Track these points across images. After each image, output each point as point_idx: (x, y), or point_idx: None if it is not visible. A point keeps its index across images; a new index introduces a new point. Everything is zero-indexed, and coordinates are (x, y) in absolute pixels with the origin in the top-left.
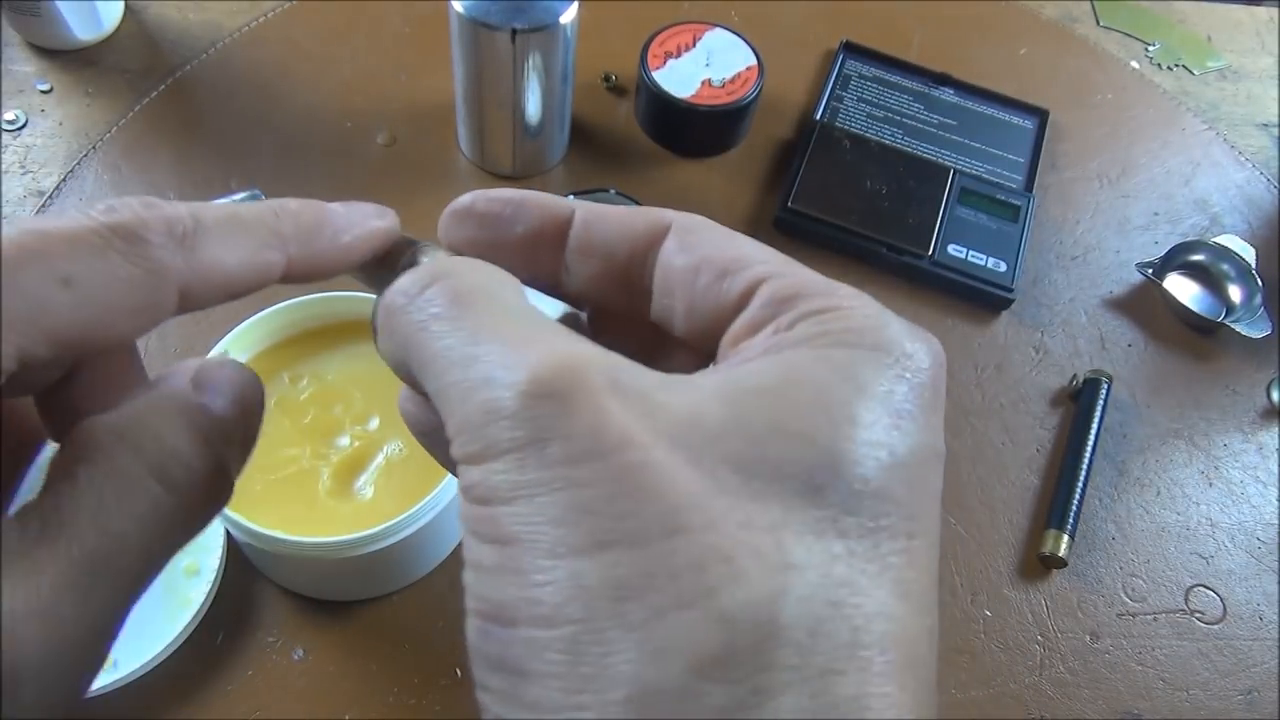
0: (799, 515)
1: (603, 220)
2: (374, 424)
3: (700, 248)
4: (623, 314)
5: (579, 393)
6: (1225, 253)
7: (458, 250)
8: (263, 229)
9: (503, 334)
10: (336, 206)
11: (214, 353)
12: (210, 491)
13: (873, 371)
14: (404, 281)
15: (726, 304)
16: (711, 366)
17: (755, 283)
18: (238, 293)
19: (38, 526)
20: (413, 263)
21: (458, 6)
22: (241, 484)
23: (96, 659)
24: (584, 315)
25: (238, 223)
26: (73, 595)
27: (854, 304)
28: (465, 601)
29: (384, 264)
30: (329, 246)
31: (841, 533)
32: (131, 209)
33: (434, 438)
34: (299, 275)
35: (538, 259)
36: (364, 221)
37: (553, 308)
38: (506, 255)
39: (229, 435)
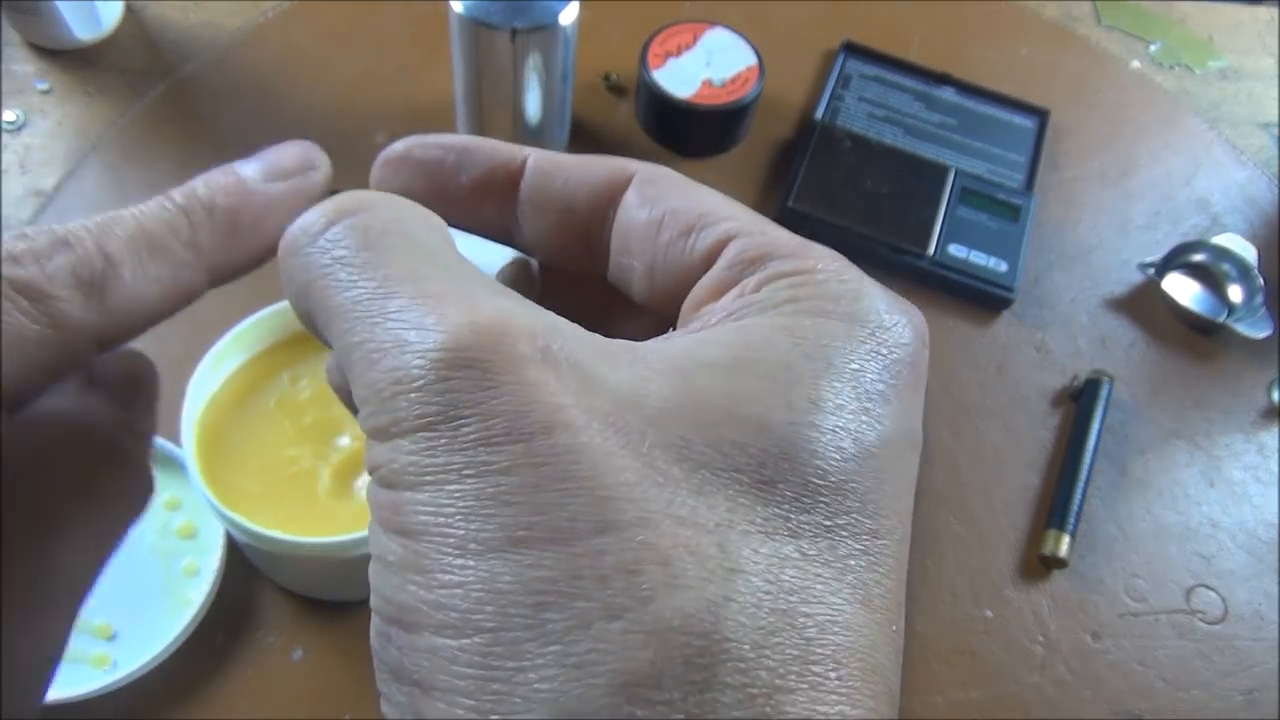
0: (747, 512)
1: (559, 169)
2: None
3: (664, 201)
4: (580, 273)
5: (502, 362)
6: (1226, 253)
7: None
8: (177, 248)
9: (420, 287)
10: (253, 175)
11: (212, 352)
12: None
13: (843, 345)
14: (308, 216)
15: (691, 264)
16: (667, 333)
17: (723, 240)
18: (158, 320)
19: None
20: None
21: (458, 6)
22: (242, 484)
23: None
24: (534, 262)
25: (150, 246)
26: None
27: (829, 267)
28: (371, 599)
29: None
30: (253, 243)
31: (794, 532)
32: (35, 257)
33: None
34: (226, 280)
35: (486, 212)
36: (286, 199)
37: (500, 254)
38: (450, 208)
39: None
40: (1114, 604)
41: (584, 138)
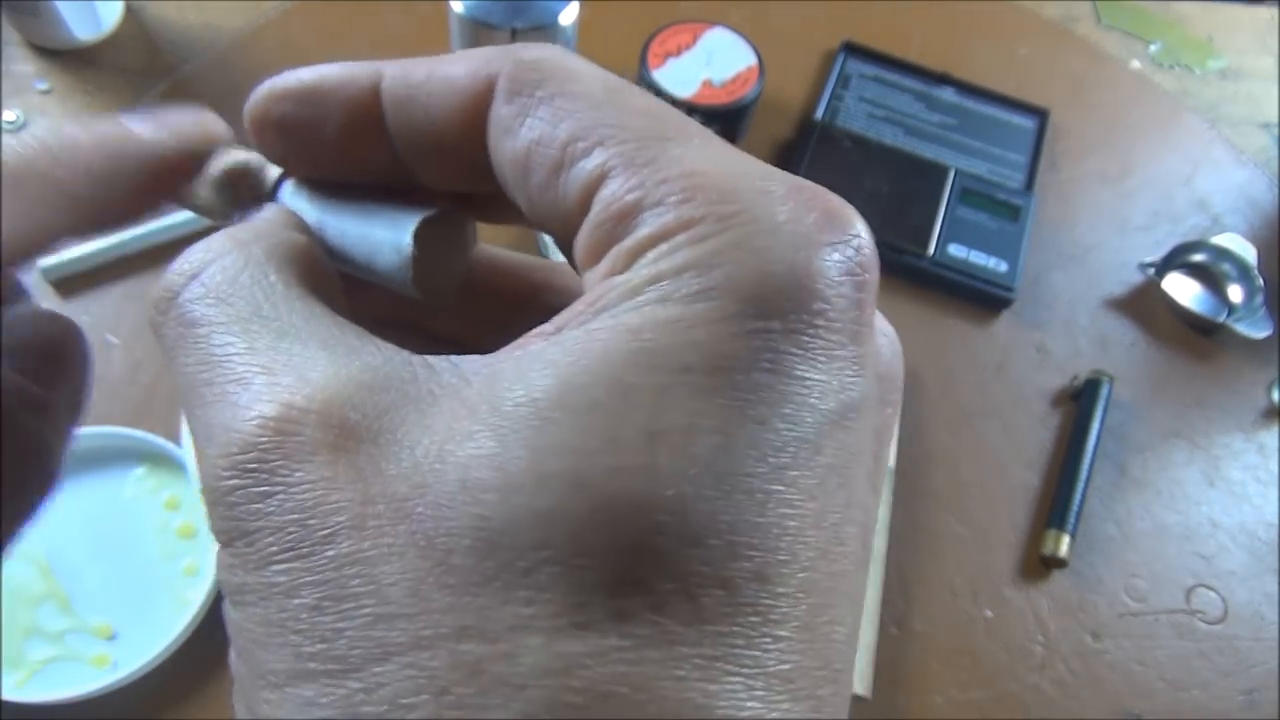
0: (555, 602)
1: (413, 89)
2: None
3: (532, 122)
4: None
5: (287, 461)
6: (1226, 253)
7: (281, 162)
8: (46, 190)
9: (232, 368)
10: (140, 127)
11: None
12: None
13: (707, 335)
14: (166, 278)
15: (566, 212)
16: (532, 334)
17: (594, 181)
18: (18, 259)
19: None
20: (258, 192)
21: (457, 6)
22: None
23: None
24: (465, 223)
25: (14, 186)
26: None
27: (730, 209)
28: None
29: (221, 192)
30: (127, 189)
31: (619, 615)
32: None
33: None
34: (101, 225)
35: (367, 157)
36: (168, 149)
37: (410, 218)
38: (331, 167)
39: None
40: (1114, 604)
41: None
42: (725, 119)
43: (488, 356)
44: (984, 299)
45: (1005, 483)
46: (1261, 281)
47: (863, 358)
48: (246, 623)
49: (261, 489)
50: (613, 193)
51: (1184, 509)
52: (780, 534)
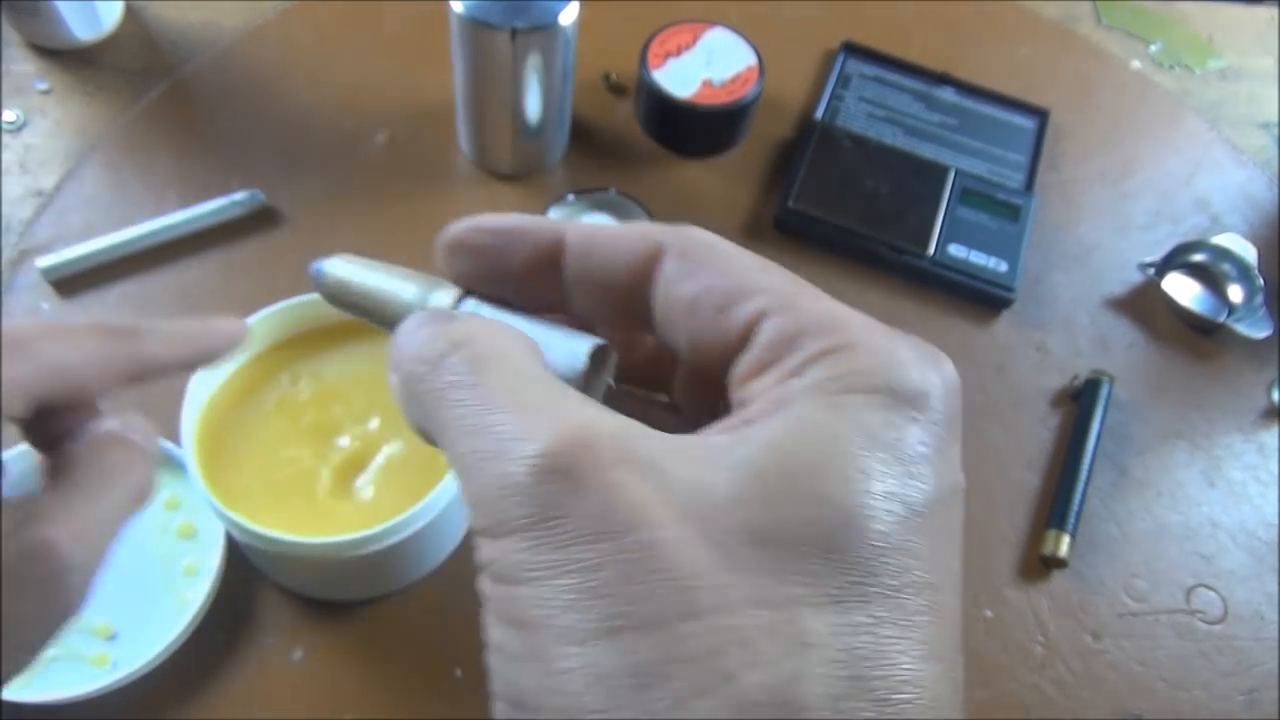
0: (818, 584)
1: (594, 245)
2: (374, 424)
3: (697, 276)
4: (634, 335)
5: (588, 467)
6: (1226, 253)
7: (461, 280)
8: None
9: (518, 400)
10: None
11: None
12: None
13: (882, 417)
14: (426, 347)
15: (728, 341)
16: (721, 423)
17: (755, 319)
18: (82, 392)
19: None
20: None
21: (457, 6)
22: (241, 484)
23: None
24: (609, 347)
25: (83, 332)
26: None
27: (861, 339)
28: (490, 683)
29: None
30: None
31: (863, 599)
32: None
33: None
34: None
35: (538, 288)
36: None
37: (582, 341)
38: (507, 286)
39: None
40: (1114, 604)
41: (584, 138)
42: (725, 119)
43: (695, 435)
44: (984, 299)
45: (1005, 483)
46: (1261, 281)
47: (958, 455)
48: (542, 593)
49: (569, 485)
50: (777, 325)
51: (1184, 509)
52: (935, 555)
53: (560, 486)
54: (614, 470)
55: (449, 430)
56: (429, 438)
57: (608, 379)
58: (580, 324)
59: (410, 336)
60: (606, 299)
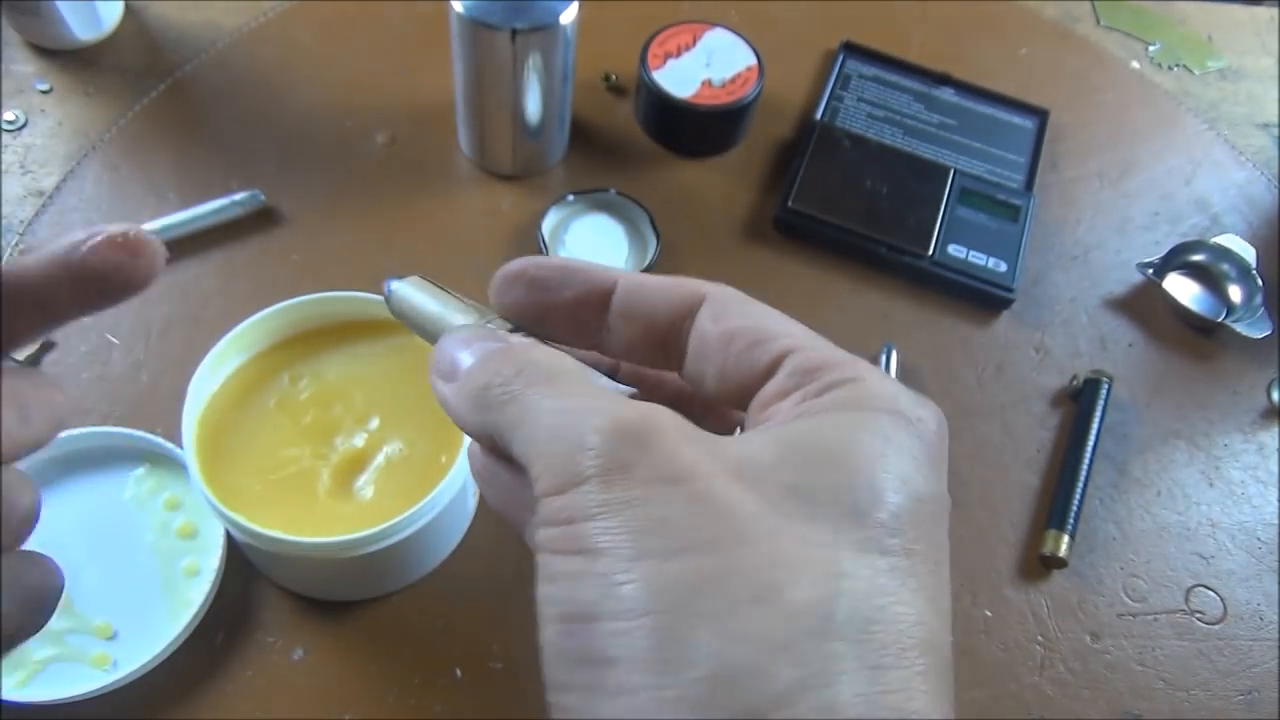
0: (846, 535)
1: (643, 289)
2: (374, 424)
3: (732, 318)
4: (655, 374)
5: (654, 434)
6: (1225, 253)
7: (508, 312)
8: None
9: (588, 393)
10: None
11: (213, 352)
12: None
13: (893, 429)
14: (494, 367)
15: (756, 371)
16: (749, 430)
17: (783, 353)
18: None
19: None
20: None
21: (458, 6)
22: (241, 484)
23: None
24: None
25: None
26: None
27: (871, 376)
28: (540, 617)
29: None
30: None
31: (884, 551)
32: None
33: (498, 485)
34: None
35: (582, 321)
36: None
37: (611, 386)
38: (554, 316)
39: None
40: (1113, 604)
41: (584, 138)
42: (725, 119)
43: (745, 433)
44: (984, 299)
45: (1005, 483)
46: (1261, 281)
47: (945, 479)
48: (609, 524)
49: (638, 446)
50: (802, 359)
51: (1184, 509)
52: (932, 536)
53: (630, 446)
54: (674, 437)
55: (526, 417)
56: (490, 437)
57: None
58: (610, 368)
59: (479, 348)
60: (647, 334)
